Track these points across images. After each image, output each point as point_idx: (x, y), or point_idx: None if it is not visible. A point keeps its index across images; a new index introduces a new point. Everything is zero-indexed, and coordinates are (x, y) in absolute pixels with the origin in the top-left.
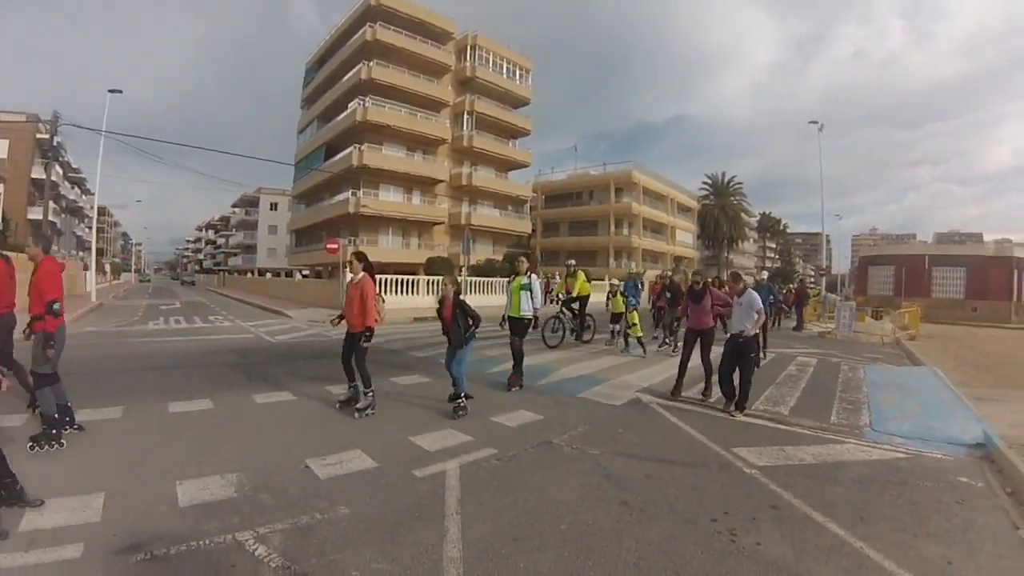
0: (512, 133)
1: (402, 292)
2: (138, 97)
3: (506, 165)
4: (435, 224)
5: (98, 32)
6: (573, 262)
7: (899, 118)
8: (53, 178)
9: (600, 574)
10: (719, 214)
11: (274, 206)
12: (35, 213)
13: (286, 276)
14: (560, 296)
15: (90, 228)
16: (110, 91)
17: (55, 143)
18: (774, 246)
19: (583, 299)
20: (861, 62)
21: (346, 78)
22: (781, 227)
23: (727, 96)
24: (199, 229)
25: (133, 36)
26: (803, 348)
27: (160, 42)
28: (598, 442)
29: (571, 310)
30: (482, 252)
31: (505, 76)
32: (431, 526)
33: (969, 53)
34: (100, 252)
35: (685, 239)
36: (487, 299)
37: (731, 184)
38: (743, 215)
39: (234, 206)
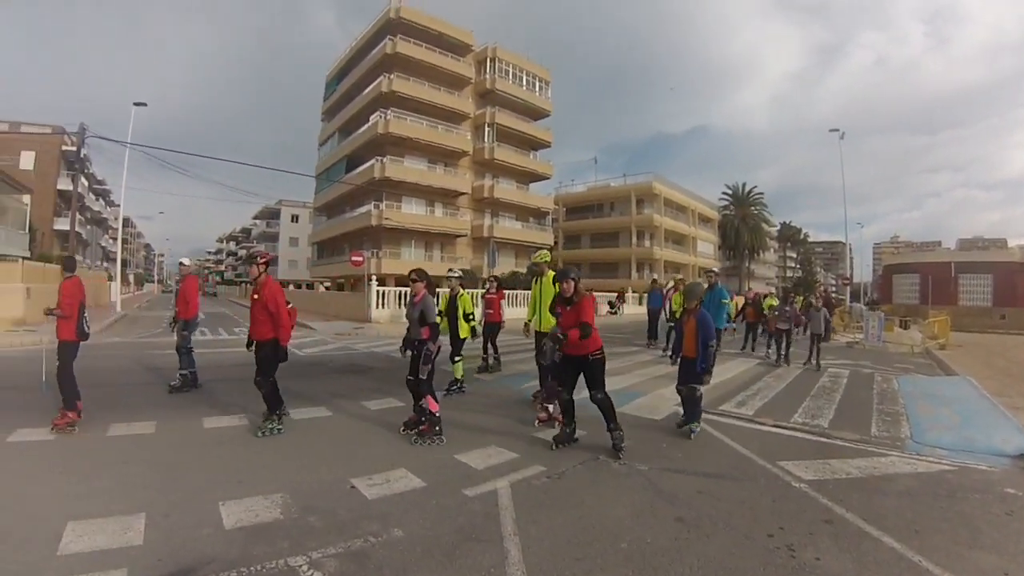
0: (533, 145)
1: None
2: (160, 109)
3: (527, 177)
4: (457, 236)
5: (122, 45)
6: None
7: (917, 124)
8: (79, 190)
9: None
10: (740, 224)
11: (295, 218)
12: (61, 224)
13: (307, 288)
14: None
15: (114, 239)
16: (135, 104)
17: (82, 155)
18: (795, 255)
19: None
20: (882, 68)
21: (367, 91)
22: (801, 236)
23: (747, 106)
24: (220, 241)
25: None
26: (833, 359)
27: (182, 54)
28: (644, 457)
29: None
30: (505, 265)
31: (525, 88)
32: (490, 548)
33: (987, 60)
34: (124, 263)
35: (706, 250)
36: (511, 311)
37: (751, 194)
38: (763, 225)
39: (255, 218)
